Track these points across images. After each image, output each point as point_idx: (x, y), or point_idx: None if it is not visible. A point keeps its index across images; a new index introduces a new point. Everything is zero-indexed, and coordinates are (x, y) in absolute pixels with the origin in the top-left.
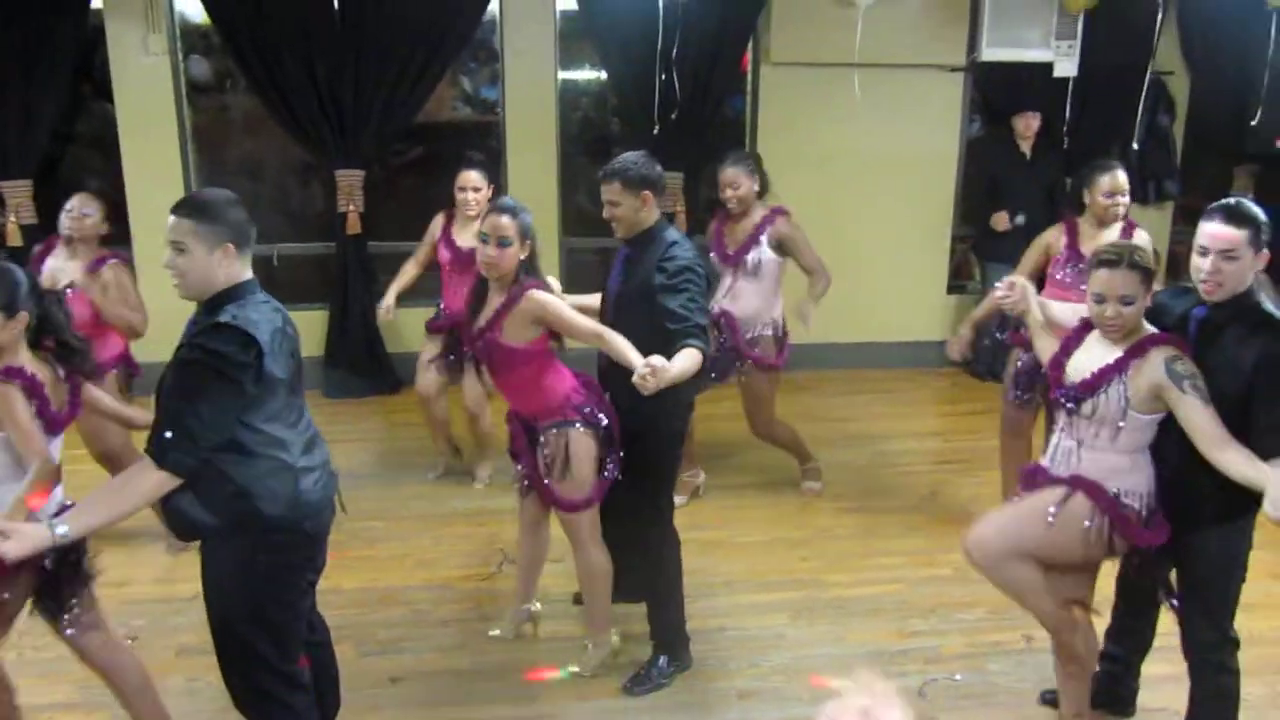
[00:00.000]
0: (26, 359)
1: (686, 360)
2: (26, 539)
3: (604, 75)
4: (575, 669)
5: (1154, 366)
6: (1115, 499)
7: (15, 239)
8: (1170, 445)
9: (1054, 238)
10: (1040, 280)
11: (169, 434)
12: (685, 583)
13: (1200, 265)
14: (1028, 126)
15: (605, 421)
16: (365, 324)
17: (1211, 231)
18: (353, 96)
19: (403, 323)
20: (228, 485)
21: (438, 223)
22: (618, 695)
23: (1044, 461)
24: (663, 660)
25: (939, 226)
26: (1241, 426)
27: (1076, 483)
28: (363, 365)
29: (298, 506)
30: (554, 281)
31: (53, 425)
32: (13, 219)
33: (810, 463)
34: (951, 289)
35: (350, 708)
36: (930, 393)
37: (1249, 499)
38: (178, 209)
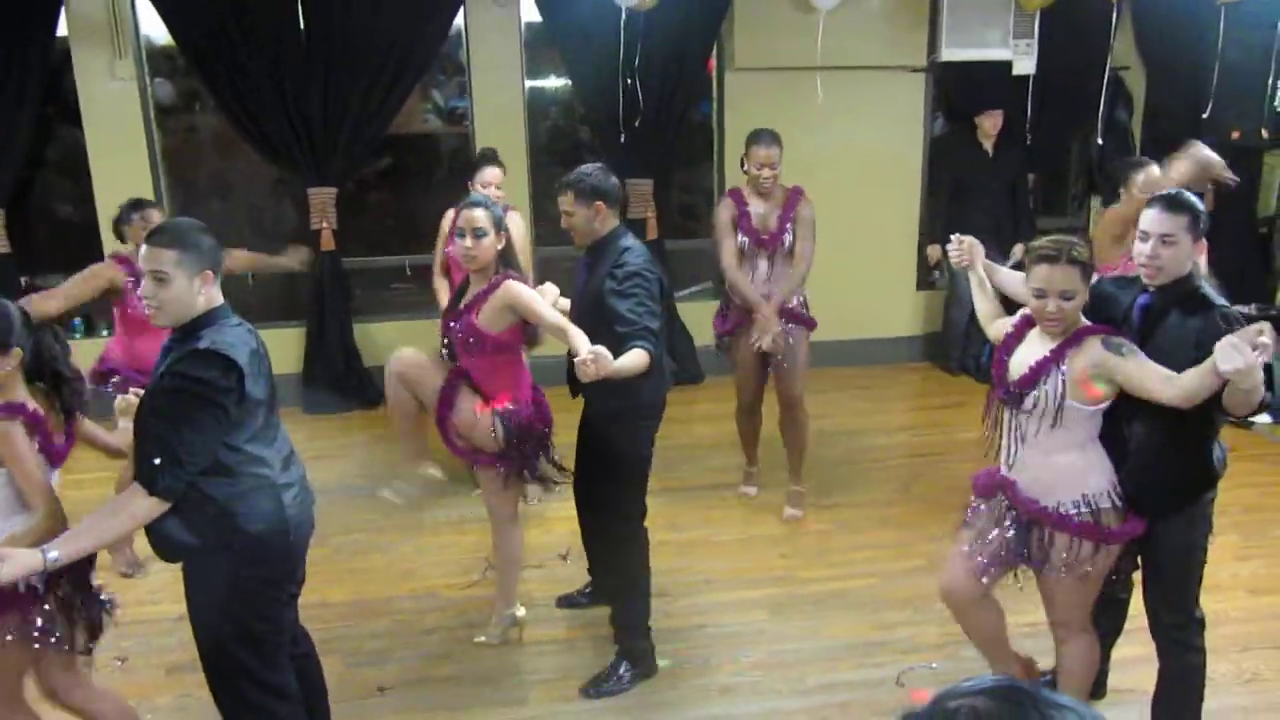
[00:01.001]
0: (25, 394)
1: (631, 358)
2: (18, 563)
3: (569, 83)
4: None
5: (1090, 348)
6: (1094, 523)
7: None
8: (1126, 435)
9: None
10: None
11: (156, 460)
12: (666, 582)
13: (1142, 250)
14: (994, 125)
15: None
16: (342, 340)
17: (1152, 217)
18: (322, 113)
19: (381, 336)
20: (210, 506)
21: (448, 219)
22: (605, 698)
23: (1002, 468)
24: (624, 667)
25: (906, 224)
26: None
27: (1041, 518)
28: (341, 381)
29: (279, 522)
30: (551, 288)
31: (54, 459)
32: None
33: (752, 466)
34: (921, 285)
35: (339, 718)
36: (902, 388)
37: (1207, 483)
38: (156, 237)
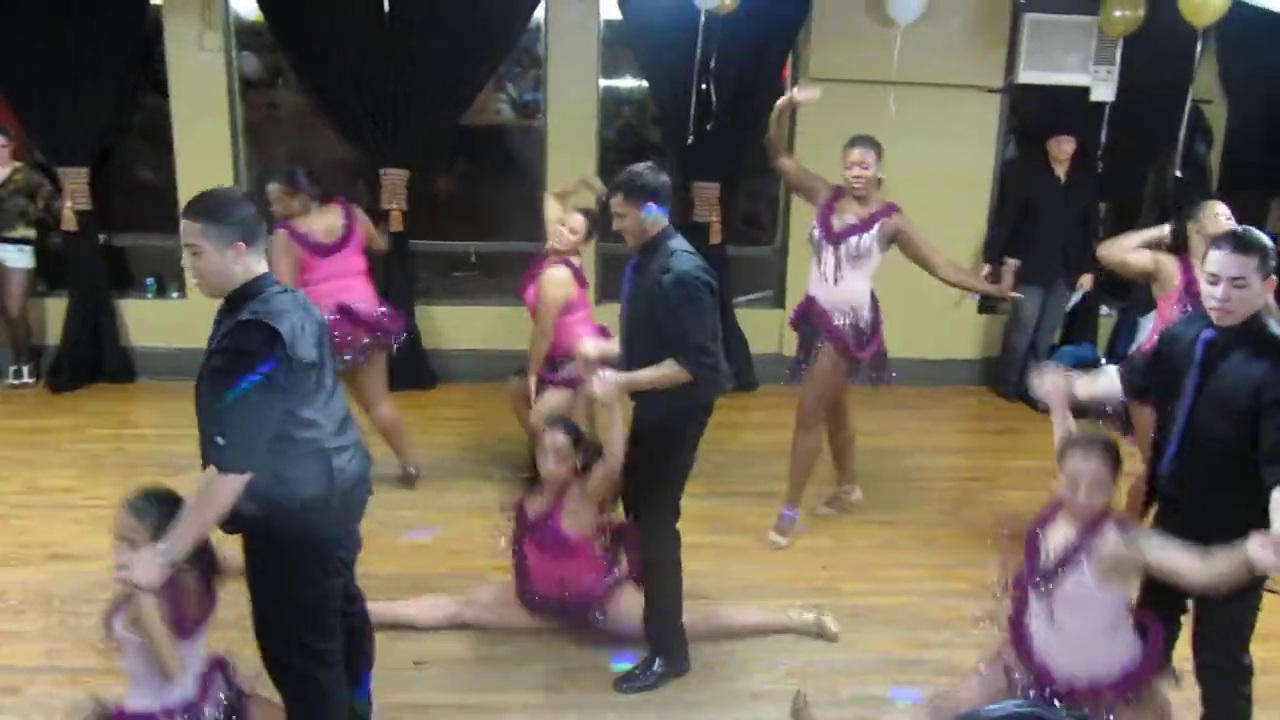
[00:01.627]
0: None
1: (659, 370)
2: (147, 567)
3: (645, 84)
4: None
5: (1109, 537)
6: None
7: (70, 224)
8: (1189, 472)
9: (1169, 269)
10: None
11: (220, 440)
12: (706, 585)
13: (1212, 293)
14: (1061, 150)
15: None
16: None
17: (1221, 260)
18: (399, 97)
19: (440, 319)
20: (265, 472)
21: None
22: (636, 693)
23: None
24: (657, 663)
25: (972, 246)
26: (1245, 450)
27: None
28: (400, 360)
29: (330, 485)
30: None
31: (184, 630)
32: (69, 205)
33: (843, 483)
34: (982, 308)
35: (377, 688)
36: (957, 410)
37: (1266, 526)
38: (186, 211)
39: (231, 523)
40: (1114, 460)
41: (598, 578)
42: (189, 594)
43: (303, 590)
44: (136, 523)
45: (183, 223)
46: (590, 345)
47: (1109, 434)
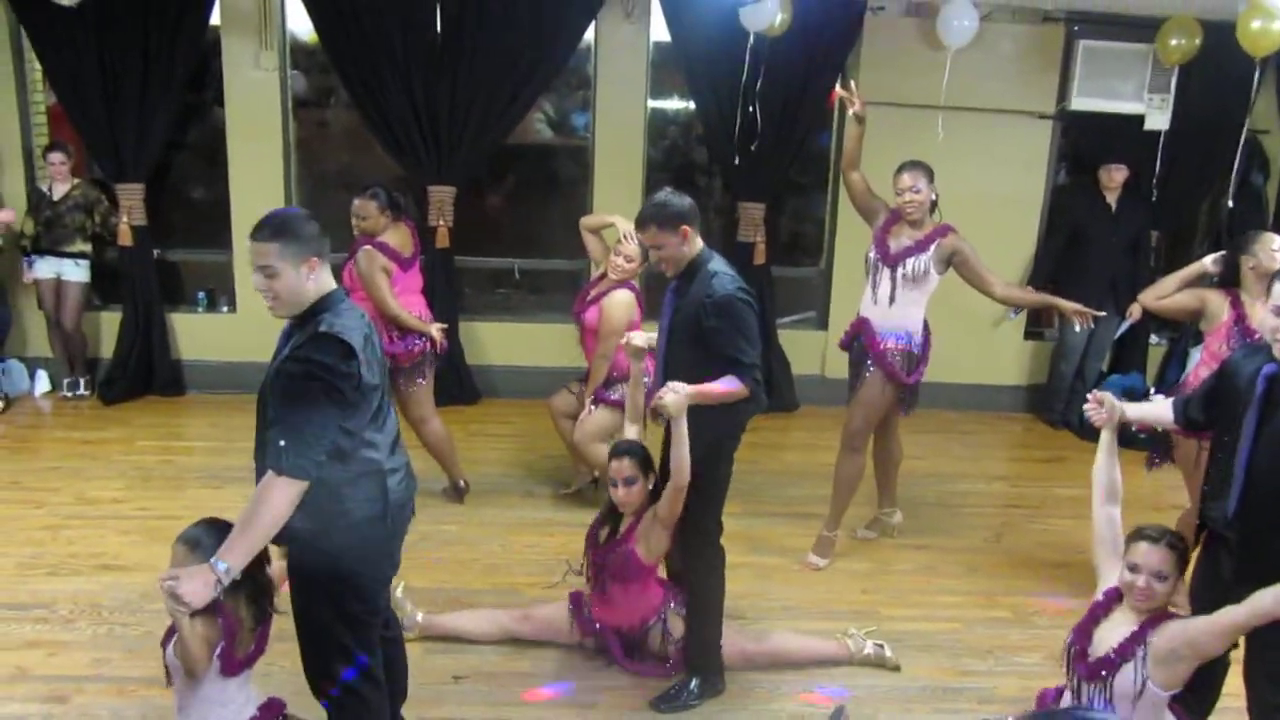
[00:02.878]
0: (229, 599)
1: (723, 383)
2: (197, 578)
3: (692, 105)
4: None
5: (1172, 630)
6: None
7: (127, 239)
8: (1248, 510)
9: (1216, 304)
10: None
11: (283, 442)
12: (744, 605)
13: (1276, 326)
14: (1113, 179)
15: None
16: (449, 335)
17: None
18: (448, 116)
19: (484, 335)
20: (322, 488)
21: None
22: (673, 713)
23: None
24: (694, 682)
25: (1021, 273)
26: None
27: None
28: (442, 375)
29: (384, 506)
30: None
31: (230, 668)
32: (125, 220)
33: (833, 526)
34: (1029, 335)
35: (415, 701)
36: (1003, 437)
37: None
38: (258, 233)
39: (285, 534)
40: (1180, 553)
41: (657, 606)
42: (243, 630)
43: (351, 604)
44: (189, 554)
45: (253, 246)
46: (639, 336)
47: (1170, 529)
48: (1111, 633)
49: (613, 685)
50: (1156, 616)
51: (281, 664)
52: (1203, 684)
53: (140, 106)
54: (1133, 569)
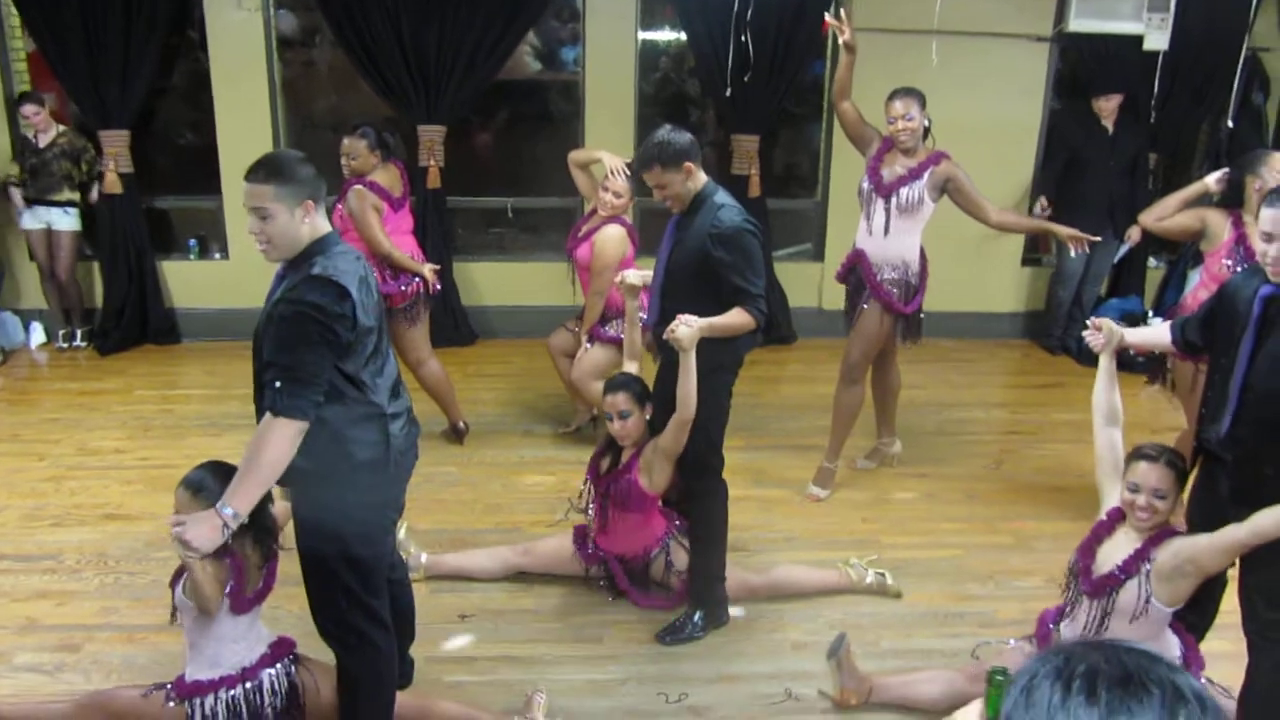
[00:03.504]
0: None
1: (732, 315)
2: (204, 524)
3: (683, 36)
4: None
5: (1175, 547)
6: None
7: (115, 187)
8: (1244, 431)
9: (1217, 224)
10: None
11: (278, 384)
12: (747, 537)
13: (1266, 250)
14: (1105, 108)
15: None
16: (443, 276)
17: (1275, 217)
18: (436, 53)
19: (478, 275)
20: (324, 430)
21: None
22: (678, 645)
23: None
24: (699, 615)
25: (1017, 199)
26: None
27: None
28: (438, 316)
29: (384, 451)
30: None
31: (239, 605)
32: (111, 168)
33: (833, 457)
34: (1026, 261)
35: (422, 640)
36: (1001, 364)
37: None
38: (253, 174)
39: (288, 477)
40: (1179, 471)
41: (660, 536)
42: (250, 567)
43: (356, 548)
44: (192, 498)
45: (248, 188)
46: (633, 274)
47: (1168, 445)
48: (1115, 551)
49: (619, 620)
50: (1160, 534)
51: (289, 608)
52: (1202, 601)
53: (122, 52)
54: (1133, 488)
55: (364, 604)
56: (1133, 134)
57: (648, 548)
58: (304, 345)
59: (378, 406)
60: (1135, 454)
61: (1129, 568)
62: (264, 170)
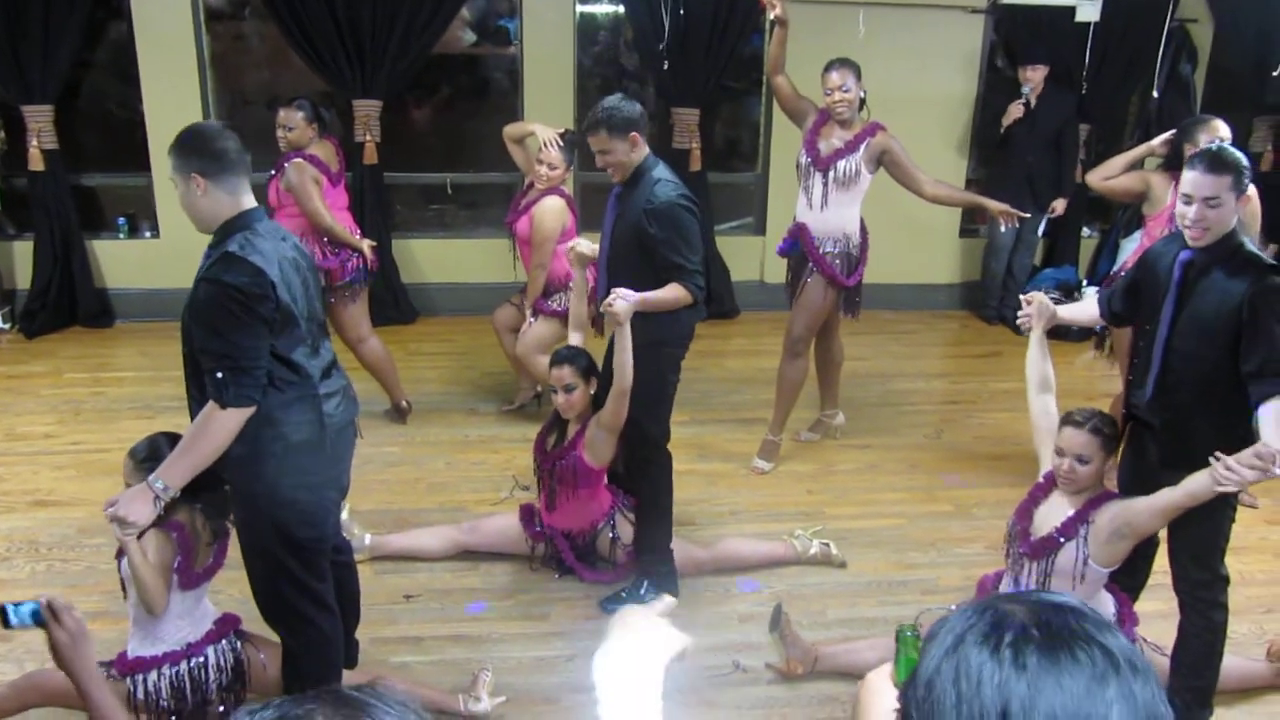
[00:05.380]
0: (182, 514)
1: (667, 290)
2: (137, 499)
3: (621, 9)
4: None
5: (1114, 510)
6: None
7: (38, 164)
8: (1168, 395)
9: (1160, 187)
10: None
11: (220, 374)
12: (693, 511)
13: (1185, 213)
14: (1028, 77)
15: None
16: (381, 254)
17: (1195, 180)
18: (371, 26)
19: (419, 252)
20: (256, 414)
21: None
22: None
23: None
24: (645, 584)
25: (953, 173)
26: (1224, 372)
27: None
28: (378, 294)
29: (319, 431)
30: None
31: (187, 581)
32: (35, 144)
33: (777, 430)
34: (963, 233)
35: (367, 622)
36: (939, 334)
37: (1242, 443)
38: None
39: (223, 462)
40: (1106, 437)
41: (606, 510)
42: (200, 544)
43: (297, 530)
44: (135, 467)
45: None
46: (584, 244)
47: (1100, 410)
48: (1051, 514)
49: (564, 597)
50: (1099, 497)
51: (230, 591)
52: (1135, 562)
53: (42, 24)
54: (1059, 453)
55: (307, 587)
56: (1054, 106)
57: (594, 522)
58: (234, 328)
59: (311, 387)
60: (1064, 420)
61: (1068, 530)
62: (172, 143)
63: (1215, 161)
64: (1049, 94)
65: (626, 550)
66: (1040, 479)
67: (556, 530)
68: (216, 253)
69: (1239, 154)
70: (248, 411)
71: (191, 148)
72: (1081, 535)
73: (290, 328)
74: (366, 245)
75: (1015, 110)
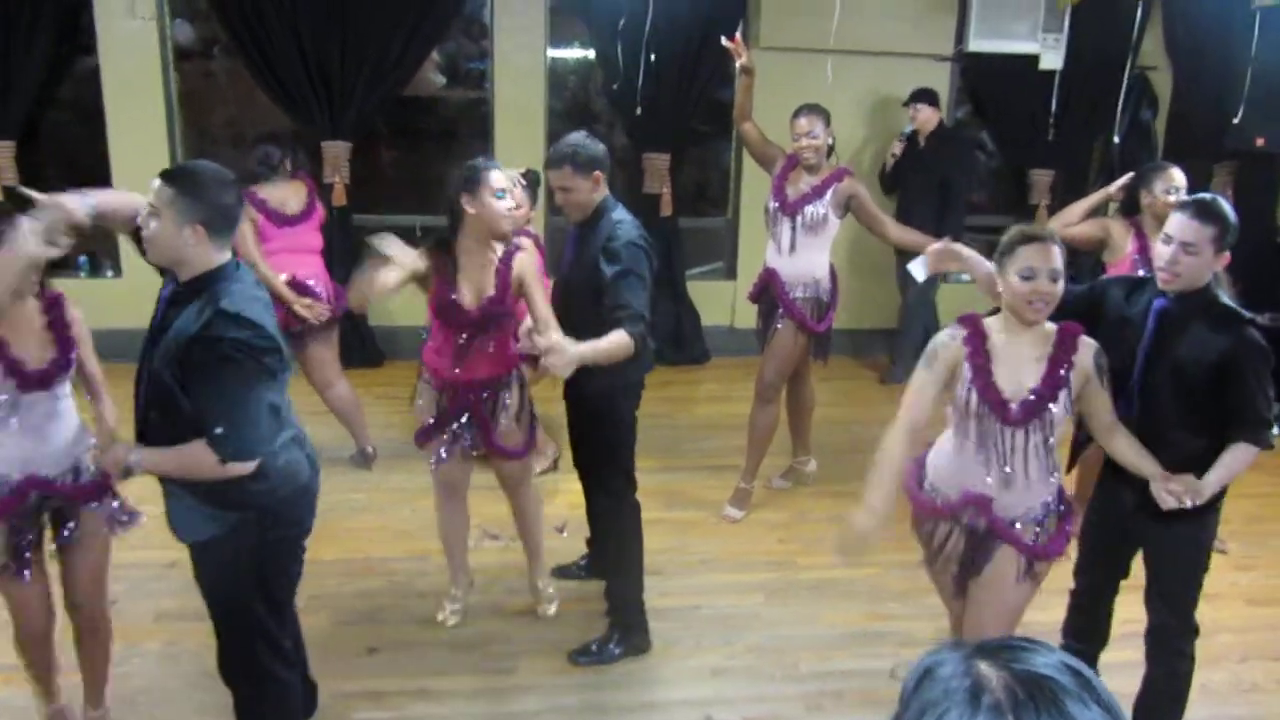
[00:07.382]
0: None
1: (610, 341)
2: (114, 455)
3: (592, 54)
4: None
5: (1084, 359)
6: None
7: None
8: (1139, 435)
9: (1119, 234)
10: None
11: (219, 430)
12: (662, 561)
13: (1162, 253)
14: (916, 118)
15: None
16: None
17: (1179, 222)
18: (340, 66)
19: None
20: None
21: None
22: (594, 670)
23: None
24: (615, 639)
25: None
26: (1208, 418)
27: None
28: (345, 338)
29: (306, 474)
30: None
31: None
32: None
33: (749, 478)
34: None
35: (328, 675)
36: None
37: (1217, 493)
38: (164, 174)
39: (243, 503)
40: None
41: (509, 365)
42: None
43: (274, 580)
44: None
45: (155, 183)
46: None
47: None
48: (1019, 369)
49: (533, 650)
50: (1066, 342)
51: (185, 644)
52: (1095, 619)
53: (4, 59)
54: (1026, 275)
55: (275, 642)
56: (941, 149)
57: (499, 375)
58: (240, 384)
59: (294, 427)
60: (1021, 237)
61: (1058, 385)
62: (175, 175)
63: (1204, 210)
64: (942, 139)
65: (520, 419)
66: (968, 374)
67: (468, 384)
68: (203, 308)
69: (1230, 211)
70: (244, 469)
71: (202, 198)
72: (1069, 388)
73: (283, 374)
74: (299, 306)
75: (895, 147)
